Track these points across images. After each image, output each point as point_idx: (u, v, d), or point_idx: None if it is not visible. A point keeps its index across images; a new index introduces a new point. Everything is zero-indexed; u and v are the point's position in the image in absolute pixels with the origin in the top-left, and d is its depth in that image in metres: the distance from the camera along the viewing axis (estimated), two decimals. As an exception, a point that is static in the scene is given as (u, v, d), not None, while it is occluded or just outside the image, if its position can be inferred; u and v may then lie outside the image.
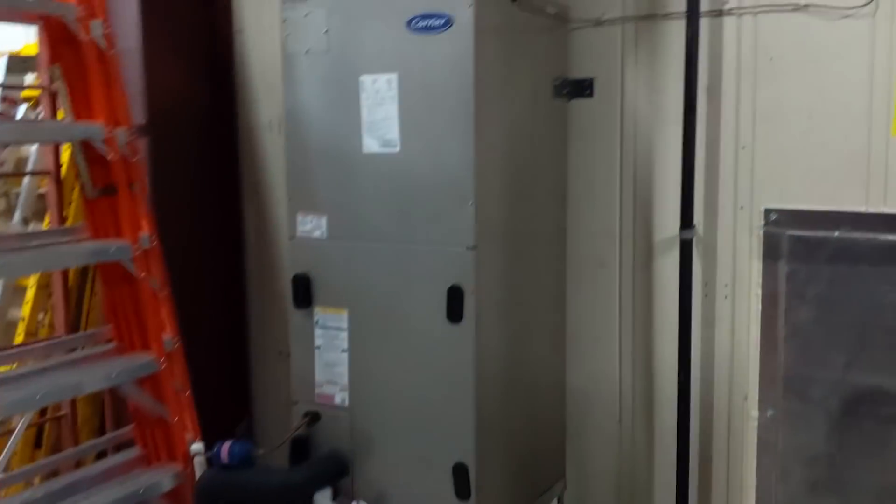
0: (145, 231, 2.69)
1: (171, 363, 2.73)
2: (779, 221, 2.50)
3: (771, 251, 2.52)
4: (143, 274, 2.63)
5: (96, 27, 2.61)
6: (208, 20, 3.25)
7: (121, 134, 2.63)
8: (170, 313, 2.75)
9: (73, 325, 3.22)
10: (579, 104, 2.75)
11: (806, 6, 2.40)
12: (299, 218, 2.48)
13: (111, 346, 2.76)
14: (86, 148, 2.60)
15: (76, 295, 3.25)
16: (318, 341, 2.49)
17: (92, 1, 2.62)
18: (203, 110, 3.23)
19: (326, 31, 2.37)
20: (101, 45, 2.64)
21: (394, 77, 2.29)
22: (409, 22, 2.24)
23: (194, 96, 3.19)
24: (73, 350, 2.86)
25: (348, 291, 2.43)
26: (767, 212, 2.51)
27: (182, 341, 2.77)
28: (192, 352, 2.81)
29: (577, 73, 2.74)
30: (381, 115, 2.32)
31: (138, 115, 2.95)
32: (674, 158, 2.59)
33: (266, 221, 3.30)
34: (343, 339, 2.45)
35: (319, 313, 2.48)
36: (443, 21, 2.20)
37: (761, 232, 2.52)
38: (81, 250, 2.63)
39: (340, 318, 2.44)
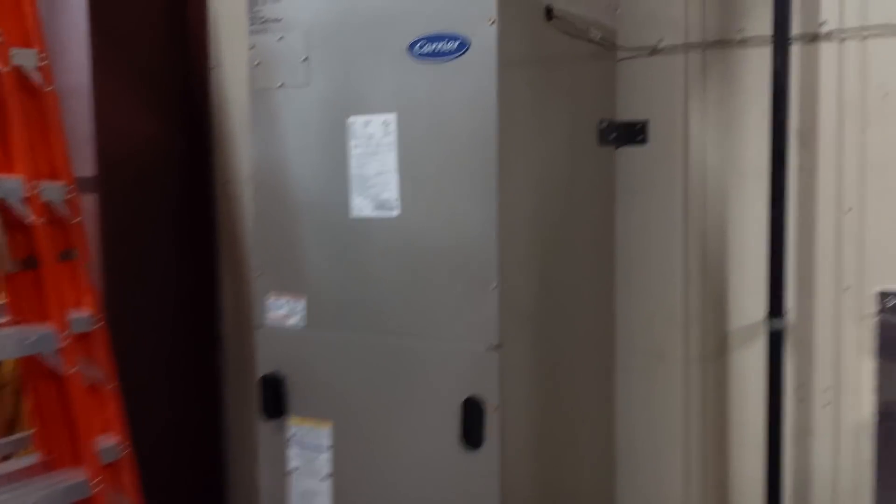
0: (86, 310, 2.14)
1: (114, 478, 2.15)
2: (898, 307, 1.91)
3: (887, 345, 1.92)
4: (72, 368, 2.06)
5: (25, 57, 2.07)
6: (178, 52, 2.72)
7: (53, 190, 2.09)
8: (117, 413, 2.18)
9: (9, 425, 2.64)
10: (630, 153, 2.18)
11: (934, 26, 1.83)
12: (270, 300, 1.91)
13: (36, 458, 2.19)
14: (2, 209, 2.06)
15: (13, 387, 2.69)
16: (292, 463, 1.90)
17: (22, 24, 2.10)
18: (170, 159, 2.69)
19: (305, 60, 1.83)
20: (35, 80, 2.11)
21: (392, 118, 1.73)
22: (413, 46, 1.69)
23: (159, 142, 2.65)
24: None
25: (332, 399, 1.85)
26: (882, 295, 1.92)
27: (134, 449, 2.20)
28: (149, 463, 2.24)
29: (628, 114, 2.18)
30: (374, 168, 1.76)
31: (86, 165, 2.41)
32: (755, 223, 2.01)
33: (247, 300, 2.73)
34: (325, 461, 1.86)
35: (295, 427, 1.89)
36: (456, 44, 1.64)
37: (874, 321, 1.92)
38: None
39: (322, 434, 1.86)
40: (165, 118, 2.67)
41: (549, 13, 1.79)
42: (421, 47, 1.67)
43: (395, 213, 1.74)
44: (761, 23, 1.99)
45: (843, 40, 1.92)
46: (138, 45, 2.59)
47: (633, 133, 2.18)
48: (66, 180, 2.13)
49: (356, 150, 1.78)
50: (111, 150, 2.46)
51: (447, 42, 1.65)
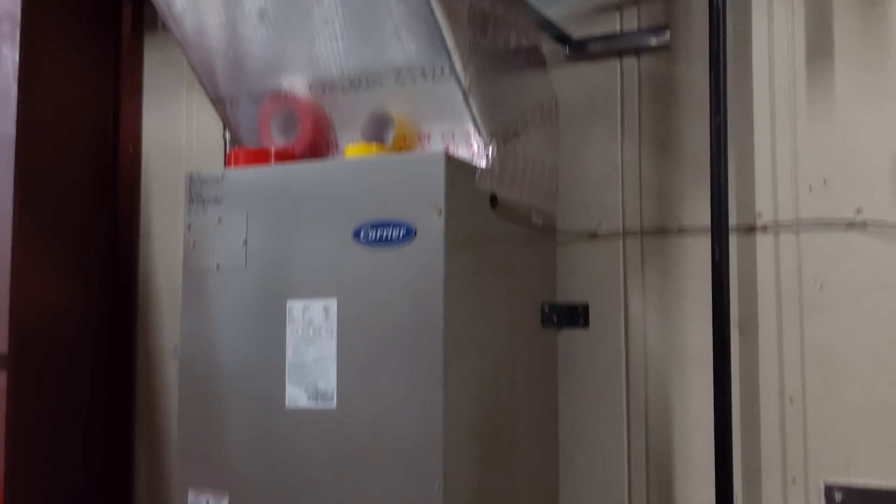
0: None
1: None
2: (846, 502, 1.86)
3: (839, 542, 1.86)
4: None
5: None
6: (107, 218, 2.64)
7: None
8: None
9: None
10: (572, 335, 2.15)
11: (864, 224, 1.89)
12: (190, 498, 1.76)
13: None
14: None
15: None
16: None
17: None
18: (89, 330, 2.55)
19: (245, 242, 1.77)
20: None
21: (332, 303, 1.67)
22: (358, 232, 1.65)
23: (79, 312, 2.53)
24: None
25: None
26: (829, 489, 1.88)
27: None
28: None
29: (569, 296, 2.16)
30: (312, 354, 1.68)
31: (-2, 340, 2.26)
32: (700, 411, 1.98)
33: (164, 492, 2.54)
34: None
35: None
36: (402, 231, 1.61)
37: (824, 515, 1.88)
38: None
39: None
40: (88, 286, 2.55)
41: (493, 201, 1.79)
42: (367, 234, 1.64)
43: (332, 404, 1.65)
44: (698, 213, 2.03)
45: (778, 233, 1.97)
46: (64, 209, 2.51)
47: (575, 316, 2.16)
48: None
49: (293, 335, 1.70)
50: (26, 323, 2.33)
51: (394, 229, 1.62)
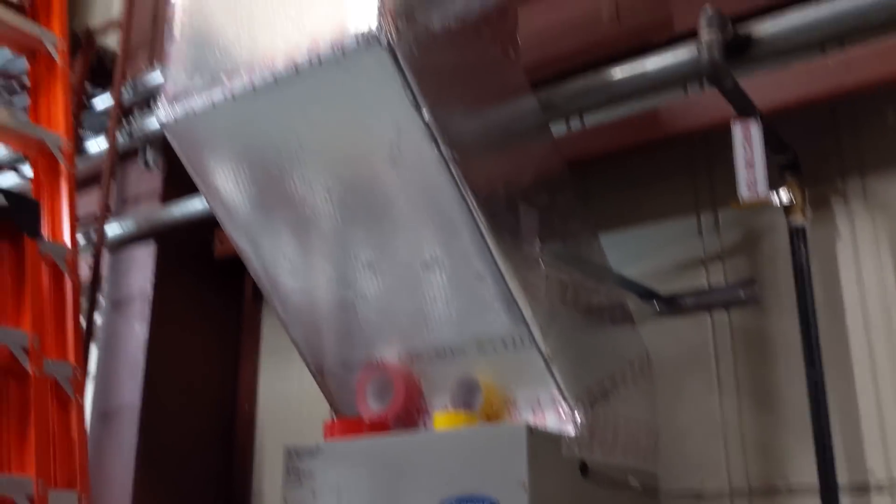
0: None
1: None
2: None
3: None
4: None
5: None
6: (221, 479, 2.74)
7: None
8: None
9: None
10: None
11: None
12: None
13: None
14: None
15: None
16: None
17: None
18: None
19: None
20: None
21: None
22: (443, 505, 1.66)
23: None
24: None
25: None
26: None
27: None
28: None
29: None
30: None
31: None
32: None
33: None
34: None
35: None
36: (487, 505, 1.61)
37: None
38: None
39: None
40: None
41: (583, 469, 1.77)
42: (450, 508, 1.64)
43: None
44: (807, 469, 1.93)
45: (893, 493, 1.84)
46: (183, 470, 2.62)
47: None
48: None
49: None
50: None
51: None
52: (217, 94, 1.75)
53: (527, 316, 1.72)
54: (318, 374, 2.10)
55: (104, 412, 2.68)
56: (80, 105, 3.13)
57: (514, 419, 1.80)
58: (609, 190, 2.39)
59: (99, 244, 2.86)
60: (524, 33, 2.42)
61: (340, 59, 1.58)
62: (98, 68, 3.22)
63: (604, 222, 2.35)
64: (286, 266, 1.93)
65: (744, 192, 1.79)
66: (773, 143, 1.99)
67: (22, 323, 2.19)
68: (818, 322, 1.92)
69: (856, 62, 1.95)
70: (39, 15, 2.87)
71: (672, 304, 2.23)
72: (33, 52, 2.79)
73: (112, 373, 2.73)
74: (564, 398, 1.77)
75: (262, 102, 1.71)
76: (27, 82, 2.90)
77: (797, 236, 1.99)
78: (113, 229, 2.91)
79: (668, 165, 2.32)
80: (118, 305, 2.81)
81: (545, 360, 1.75)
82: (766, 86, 2.02)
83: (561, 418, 1.78)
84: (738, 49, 1.93)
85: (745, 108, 1.83)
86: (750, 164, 1.79)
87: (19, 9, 2.90)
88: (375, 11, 1.55)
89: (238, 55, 1.75)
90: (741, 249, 2.19)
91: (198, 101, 1.78)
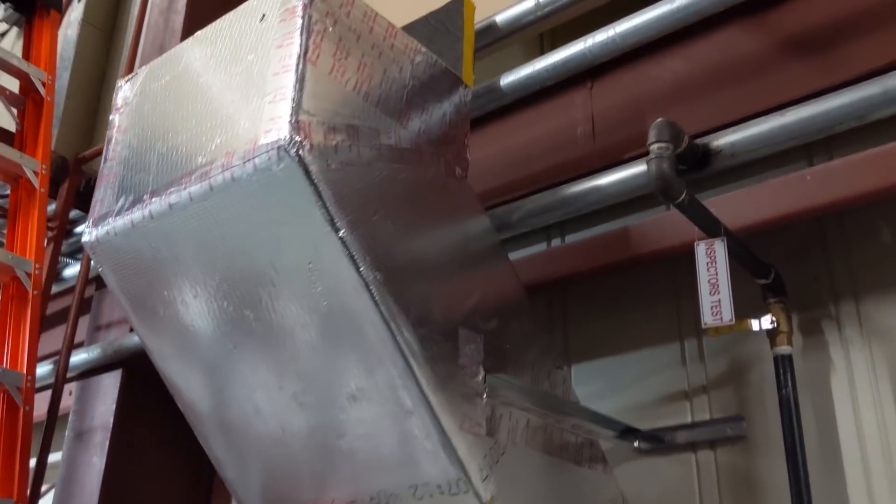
0: None
1: None
2: None
3: None
4: None
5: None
6: None
7: None
8: None
9: None
10: None
11: None
12: None
13: None
14: None
15: None
16: None
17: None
18: None
19: None
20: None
21: None
22: None
23: None
24: None
25: None
26: None
27: None
28: None
29: None
30: None
31: None
32: None
33: None
34: None
35: None
36: None
37: None
38: None
39: None
40: None
41: None
42: None
43: None
44: None
45: None
46: None
47: None
48: None
49: None
50: None
51: None
52: (136, 214, 1.65)
53: (462, 456, 1.53)
54: (256, 520, 1.91)
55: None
56: (63, 231, 3.08)
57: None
58: (588, 313, 2.23)
59: (62, 377, 2.71)
60: (495, 153, 2.33)
61: (251, 172, 1.48)
62: (86, 194, 3.18)
63: (581, 348, 2.18)
64: (211, 399, 1.77)
65: (707, 318, 1.61)
66: (752, 265, 1.81)
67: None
68: (810, 462, 1.69)
69: (838, 174, 1.80)
70: (27, 142, 2.88)
71: (653, 441, 2.01)
72: (16, 178, 2.78)
73: (67, 510, 2.56)
74: (512, 555, 1.55)
75: (177, 221, 1.60)
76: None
77: (783, 365, 1.79)
78: (81, 357, 2.79)
79: (649, 287, 2.15)
80: (80, 437, 2.66)
81: (483, 509, 1.55)
82: (741, 203, 1.87)
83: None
84: (698, 162, 1.79)
85: (708, 227, 1.67)
86: (715, 287, 1.61)
87: (10, 135, 2.91)
88: (287, 124, 1.45)
89: (163, 174, 1.66)
90: (727, 380, 1.98)
91: (119, 222, 1.68)
